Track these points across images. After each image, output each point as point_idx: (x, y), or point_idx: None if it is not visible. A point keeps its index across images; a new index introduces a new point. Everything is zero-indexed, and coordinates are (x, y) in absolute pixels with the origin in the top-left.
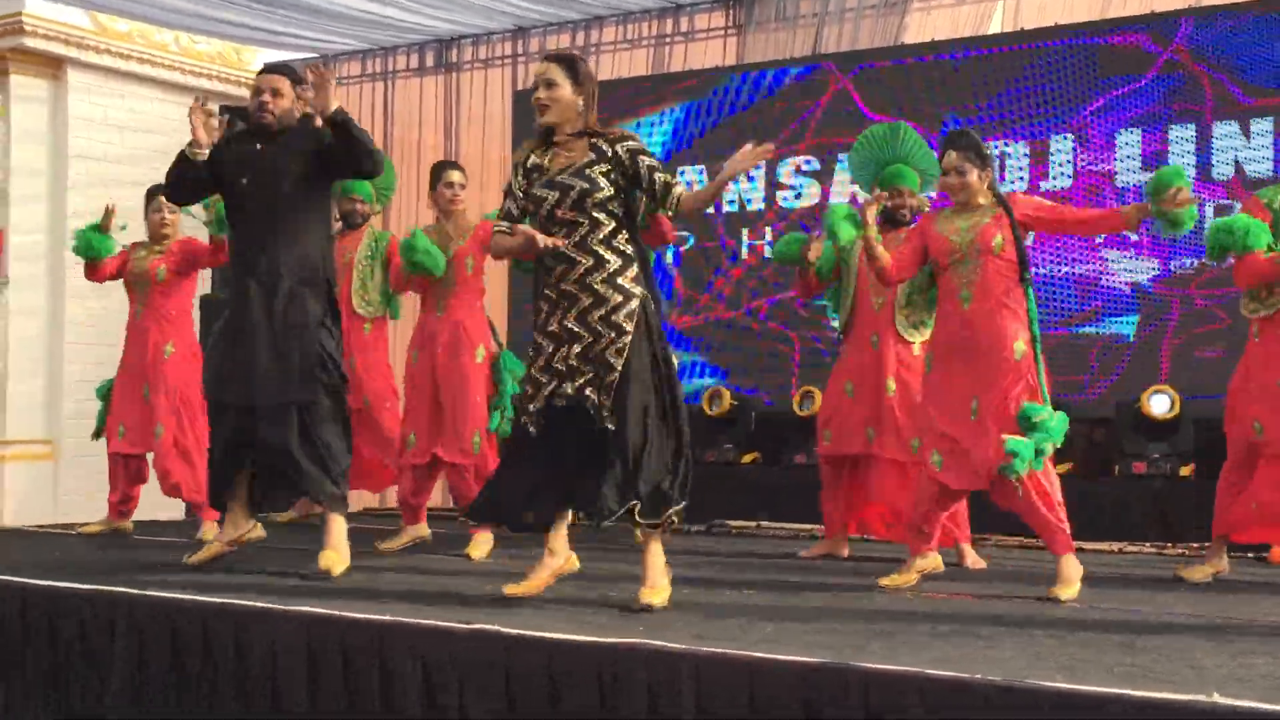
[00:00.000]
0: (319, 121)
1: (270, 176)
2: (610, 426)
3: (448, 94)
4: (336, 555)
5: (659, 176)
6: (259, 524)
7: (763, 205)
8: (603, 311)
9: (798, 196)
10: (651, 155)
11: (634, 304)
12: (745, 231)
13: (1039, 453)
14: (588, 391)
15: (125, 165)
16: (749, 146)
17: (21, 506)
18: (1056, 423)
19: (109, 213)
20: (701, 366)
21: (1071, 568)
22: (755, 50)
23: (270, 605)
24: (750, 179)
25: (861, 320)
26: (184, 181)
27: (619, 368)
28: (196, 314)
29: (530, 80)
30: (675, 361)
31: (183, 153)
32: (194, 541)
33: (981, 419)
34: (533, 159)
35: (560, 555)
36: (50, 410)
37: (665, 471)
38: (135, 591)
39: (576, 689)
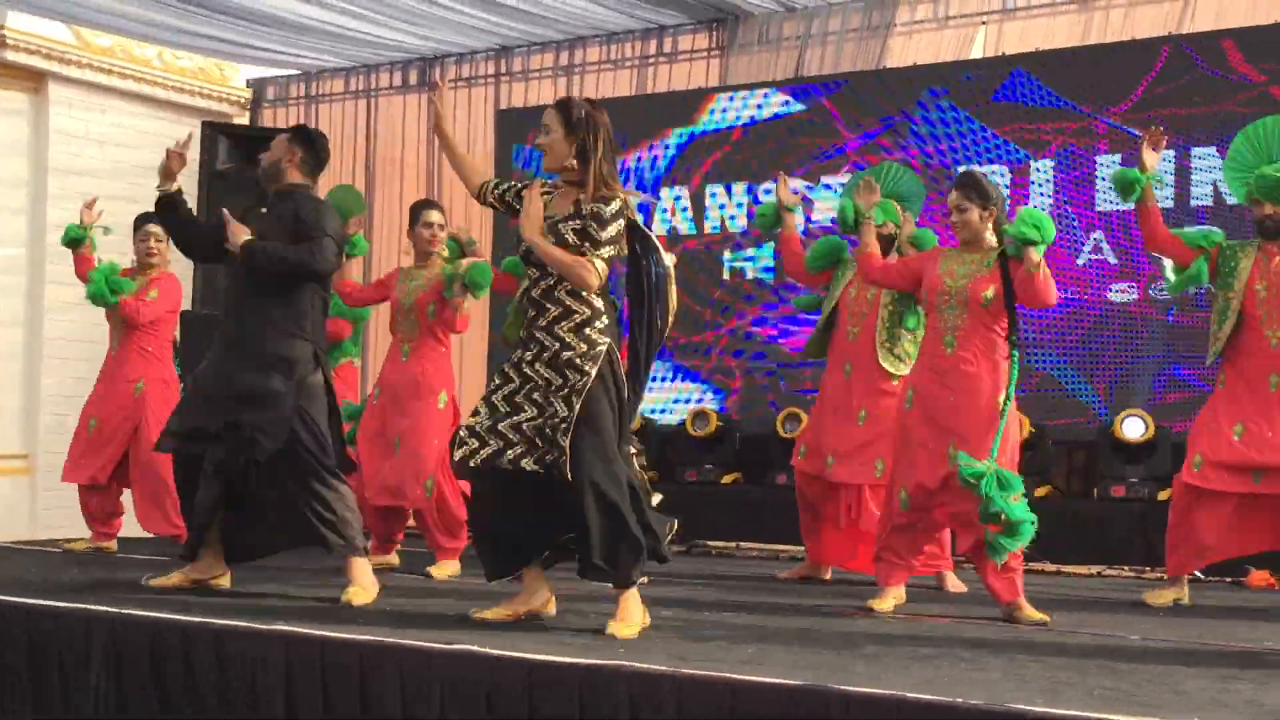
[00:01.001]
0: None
1: (264, 238)
2: (561, 475)
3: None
4: (359, 589)
5: (584, 246)
6: (229, 573)
7: (745, 225)
8: (567, 356)
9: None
10: (601, 225)
11: (600, 349)
12: (727, 252)
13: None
14: (537, 446)
15: (107, 180)
16: None
17: None
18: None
19: (87, 207)
20: (685, 385)
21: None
22: (738, 72)
23: (249, 624)
24: (738, 203)
25: (836, 349)
26: (180, 233)
27: (576, 408)
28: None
29: (513, 99)
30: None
31: (158, 199)
32: (176, 559)
33: (958, 467)
34: (545, 188)
35: (538, 595)
36: (27, 424)
37: (631, 527)
38: (114, 610)
39: (558, 711)
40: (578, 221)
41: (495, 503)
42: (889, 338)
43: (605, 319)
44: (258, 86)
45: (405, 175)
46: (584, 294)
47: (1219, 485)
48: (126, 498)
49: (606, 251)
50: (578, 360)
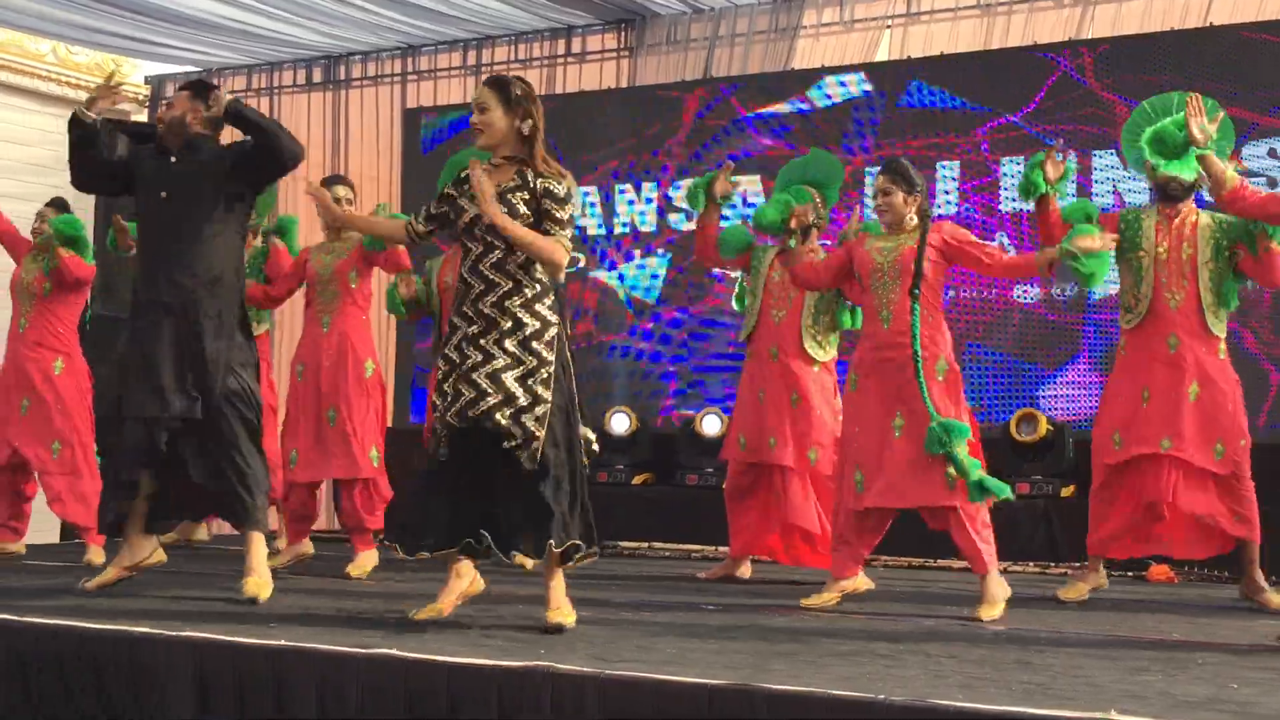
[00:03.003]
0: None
1: (188, 191)
2: (532, 463)
3: (335, 111)
4: (261, 580)
5: (546, 225)
6: (160, 548)
7: (655, 228)
8: (521, 337)
9: (690, 219)
10: (560, 204)
11: (552, 331)
12: (637, 253)
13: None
14: (502, 421)
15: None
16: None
17: None
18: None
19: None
20: (597, 387)
21: (995, 587)
22: (647, 73)
23: (159, 631)
24: (648, 200)
25: (762, 333)
26: (85, 160)
27: (549, 399)
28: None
29: (420, 98)
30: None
31: (74, 115)
32: (82, 565)
33: (906, 437)
34: (468, 172)
35: (466, 577)
36: None
37: (581, 508)
38: (17, 619)
39: (478, 714)
40: (526, 193)
41: (446, 475)
42: (814, 322)
43: (552, 296)
44: (157, 84)
45: (311, 175)
46: (534, 270)
47: (1138, 450)
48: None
49: (570, 231)
50: (535, 343)
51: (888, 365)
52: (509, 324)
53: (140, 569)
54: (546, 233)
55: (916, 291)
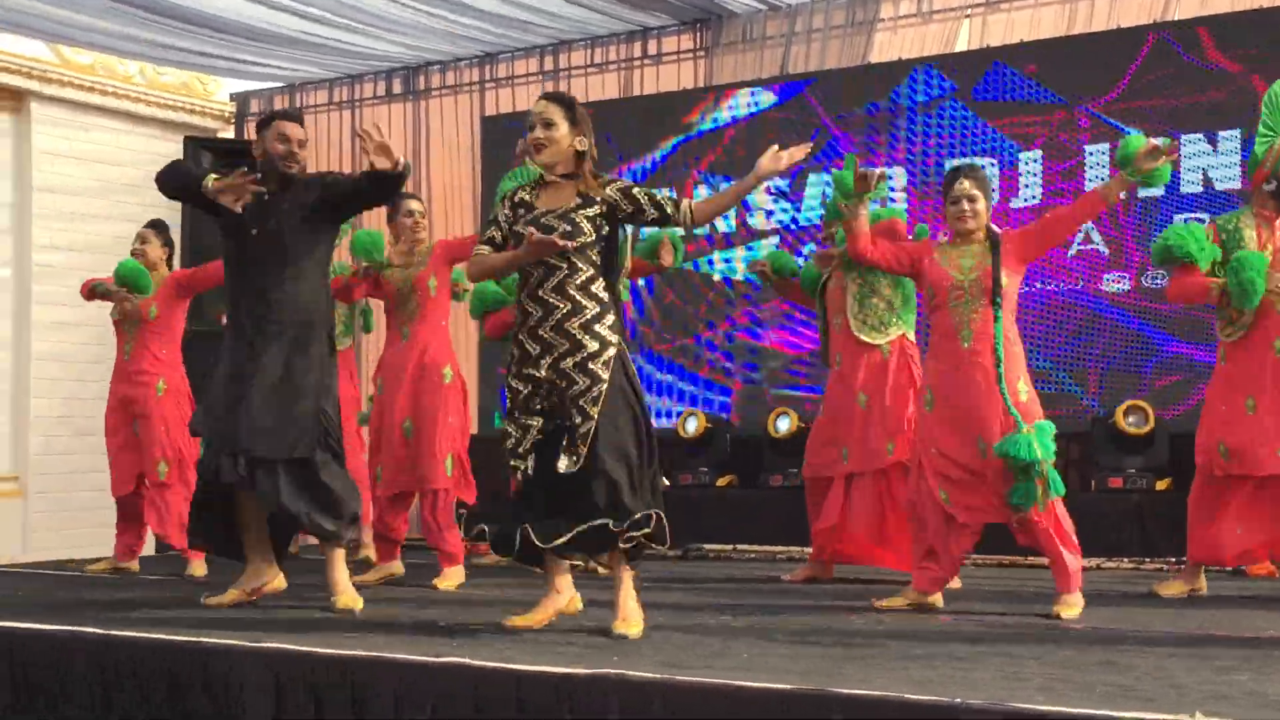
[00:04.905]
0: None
1: (280, 229)
2: (581, 470)
3: (415, 120)
4: (350, 595)
5: (660, 198)
6: (281, 575)
7: (733, 226)
8: (578, 358)
9: (769, 216)
10: (641, 185)
11: (610, 351)
12: (716, 254)
13: (1042, 479)
14: (562, 440)
15: (90, 198)
16: (775, 149)
17: None
18: (1035, 439)
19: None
20: (674, 389)
21: (1077, 597)
22: (723, 72)
23: (236, 642)
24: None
25: (831, 344)
26: (183, 193)
27: (595, 416)
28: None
29: (499, 106)
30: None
31: (202, 179)
32: (185, 578)
33: (991, 458)
34: (520, 194)
35: (565, 594)
36: (17, 446)
37: (643, 505)
38: (99, 631)
39: None
40: (591, 209)
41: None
42: (860, 310)
43: (613, 315)
44: (241, 100)
45: None
46: (592, 289)
47: (1251, 469)
48: None
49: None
50: (591, 364)
51: (968, 385)
52: (566, 345)
53: (260, 594)
54: (673, 201)
55: (999, 300)
